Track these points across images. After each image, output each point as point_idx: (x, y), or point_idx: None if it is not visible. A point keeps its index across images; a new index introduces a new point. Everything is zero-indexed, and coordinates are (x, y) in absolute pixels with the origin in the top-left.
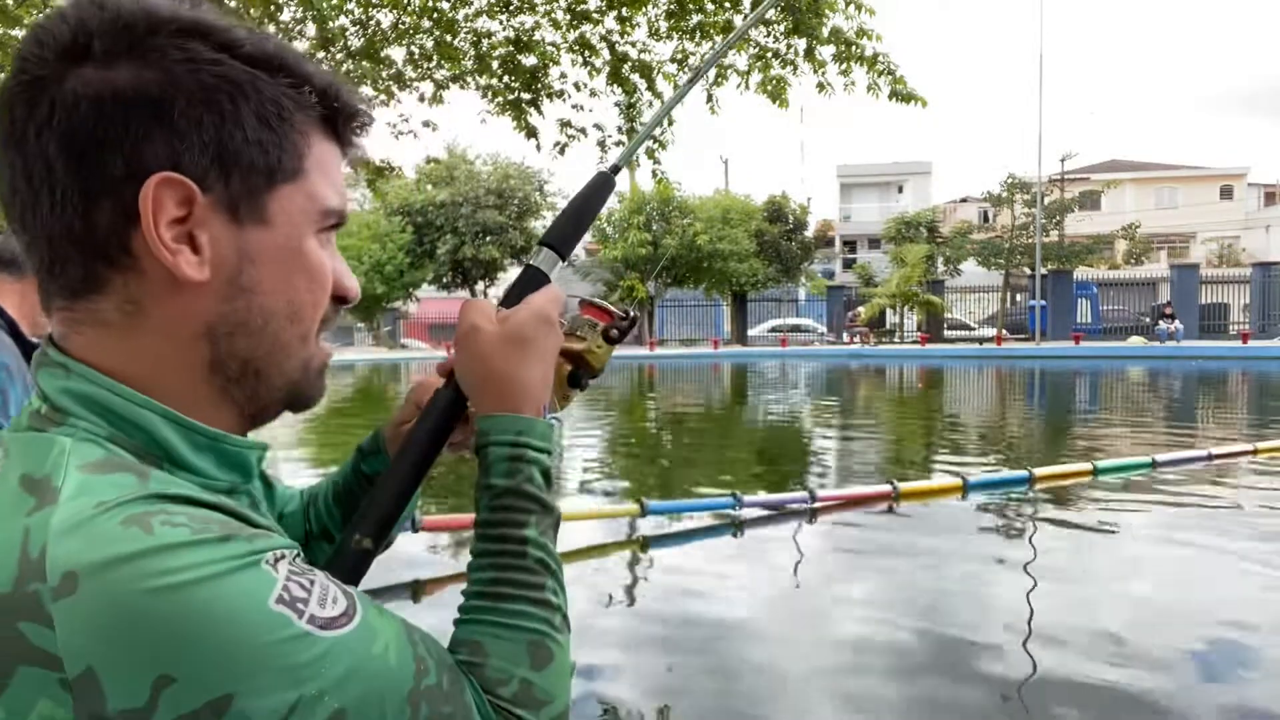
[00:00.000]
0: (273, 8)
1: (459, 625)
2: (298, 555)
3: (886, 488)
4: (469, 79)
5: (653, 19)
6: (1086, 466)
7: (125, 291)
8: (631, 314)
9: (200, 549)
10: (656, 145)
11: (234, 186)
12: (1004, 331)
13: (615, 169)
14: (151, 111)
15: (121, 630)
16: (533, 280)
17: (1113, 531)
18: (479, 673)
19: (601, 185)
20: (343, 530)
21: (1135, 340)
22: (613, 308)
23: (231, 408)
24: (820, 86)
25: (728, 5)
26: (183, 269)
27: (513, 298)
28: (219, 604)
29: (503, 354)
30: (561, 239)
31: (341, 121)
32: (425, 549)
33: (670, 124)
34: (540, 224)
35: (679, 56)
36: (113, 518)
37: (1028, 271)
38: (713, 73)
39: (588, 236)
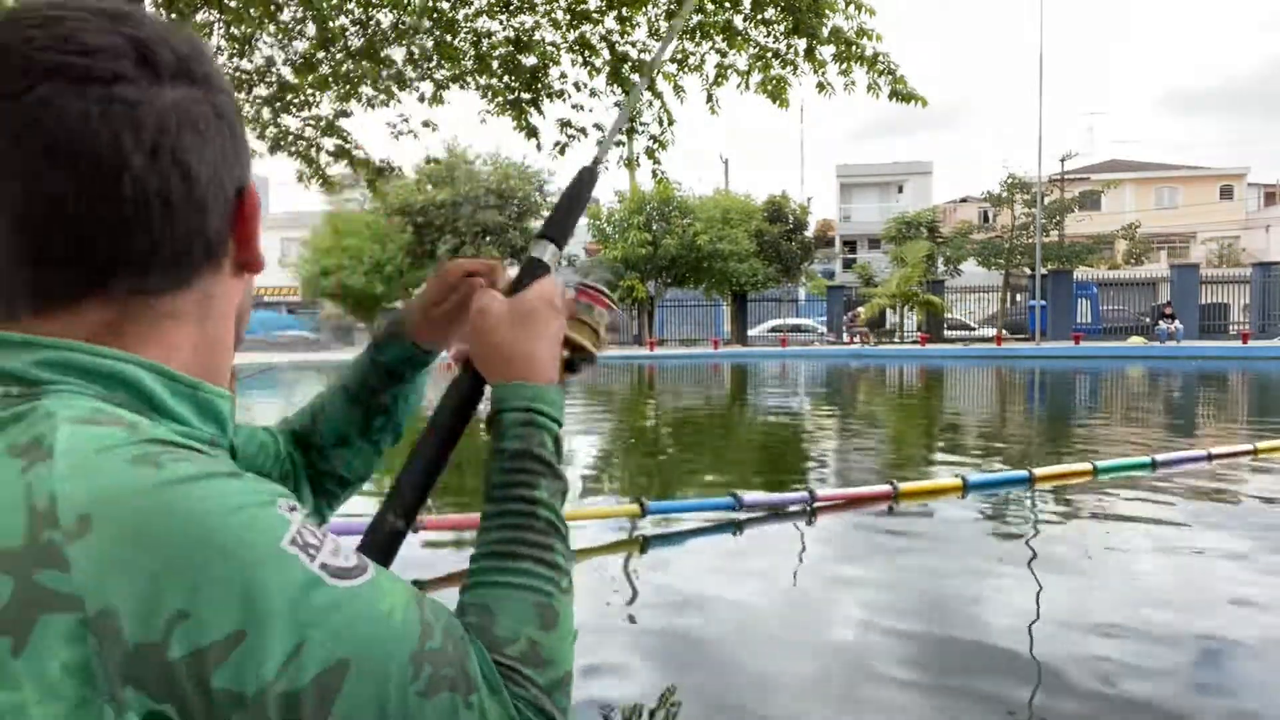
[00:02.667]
0: (273, 8)
1: (467, 590)
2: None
3: (886, 488)
4: (469, 79)
5: (653, 19)
6: (1086, 466)
7: (204, 285)
8: (616, 309)
9: (213, 482)
10: (656, 145)
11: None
12: (1004, 331)
13: (596, 161)
14: (229, 128)
15: (137, 564)
16: (535, 269)
17: (1113, 532)
18: (487, 633)
19: (587, 179)
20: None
21: (1135, 340)
22: (607, 292)
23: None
24: (820, 86)
25: (728, 5)
26: (260, 261)
27: (517, 286)
28: (233, 537)
29: (512, 329)
30: (559, 231)
31: None
32: (426, 549)
33: (671, 124)
34: (540, 224)
35: (679, 56)
36: (118, 458)
37: (1028, 271)
38: (712, 72)
39: (588, 236)
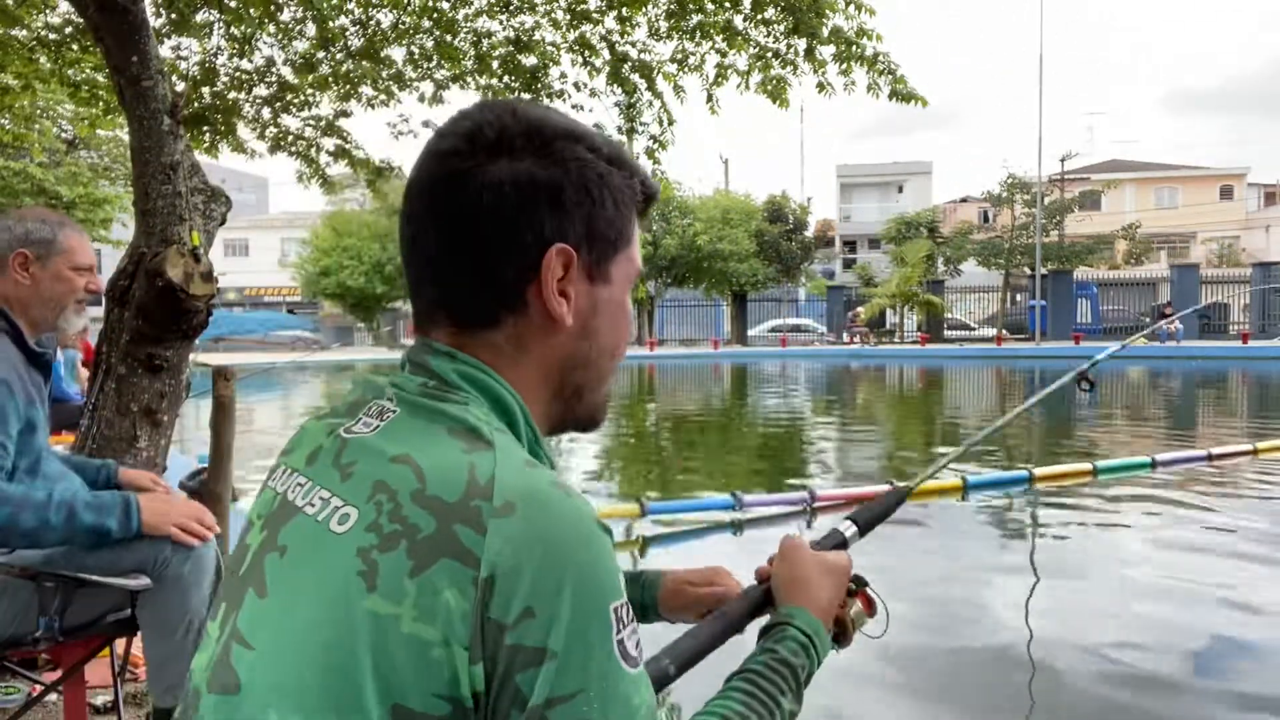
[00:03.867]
0: (273, 7)
1: None
2: None
3: (886, 488)
4: (469, 79)
5: (653, 19)
6: (1086, 466)
7: (513, 329)
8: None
9: (603, 533)
10: (656, 145)
11: (594, 254)
12: (1004, 331)
13: (909, 489)
14: (549, 196)
15: (529, 557)
16: (840, 542)
17: (1113, 531)
18: None
19: (897, 501)
20: None
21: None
22: (878, 601)
23: (545, 422)
24: (820, 86)
25: (728, 5)
26: (563, 317)
27: (822, 546)
28: (595, 580)
29: (816, 571)
30: (865, 523)
31: (647, 202)
32: None
33: (671, 124)
34: None
35: (679, 56)
36: (543, 475)
37: (1028, 271)
38: (712, 72)
39: None
